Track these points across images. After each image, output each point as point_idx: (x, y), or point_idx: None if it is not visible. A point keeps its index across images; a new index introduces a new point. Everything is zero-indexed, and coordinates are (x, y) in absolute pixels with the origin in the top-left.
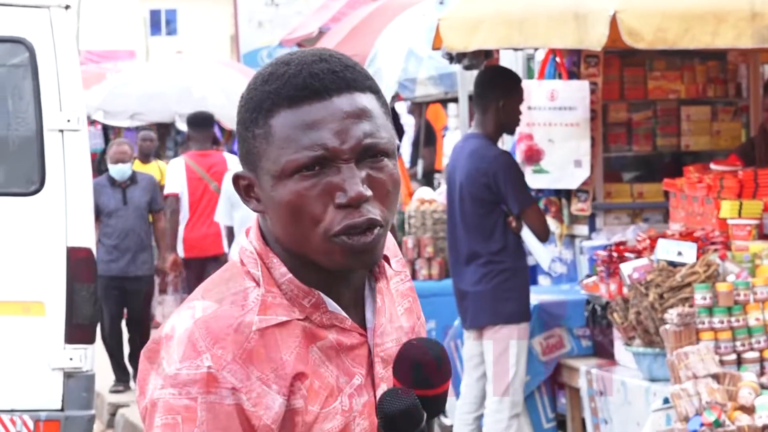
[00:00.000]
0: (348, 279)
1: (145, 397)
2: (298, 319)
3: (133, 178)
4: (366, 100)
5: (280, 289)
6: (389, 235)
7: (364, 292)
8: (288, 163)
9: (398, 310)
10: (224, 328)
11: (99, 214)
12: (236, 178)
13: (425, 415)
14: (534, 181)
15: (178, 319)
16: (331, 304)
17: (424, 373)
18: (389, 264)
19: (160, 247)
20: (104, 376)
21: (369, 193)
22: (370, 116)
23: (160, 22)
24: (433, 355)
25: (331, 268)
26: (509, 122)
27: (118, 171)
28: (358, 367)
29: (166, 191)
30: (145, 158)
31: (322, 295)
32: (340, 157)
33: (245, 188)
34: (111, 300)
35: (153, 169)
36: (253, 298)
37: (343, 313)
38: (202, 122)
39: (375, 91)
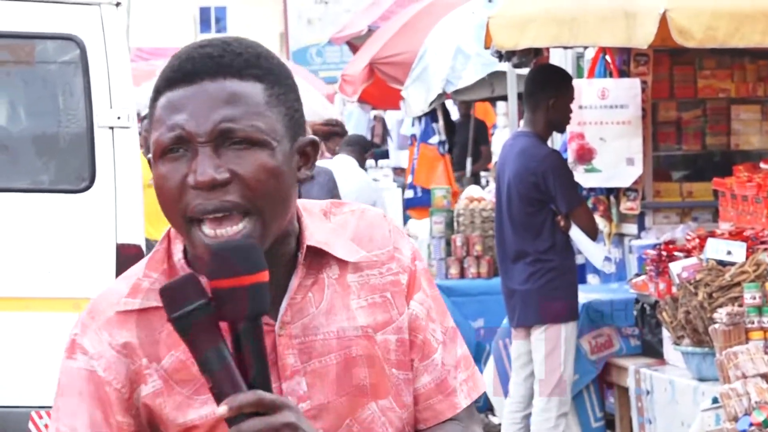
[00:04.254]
0: None
1: None
2: None
3: None
4: (241, 87)
5: (176, 273)
6: (381, 223)
7: (292, 281)
8: (155, 144)
9: (353, 303)
10: (102, 301)
11: None
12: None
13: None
14: (586, 180)
15: None
16: None
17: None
18: (341, 255)
19: None
20: None
21: (223, 176)
22: (240, 103)
23: (210, 20)
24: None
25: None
26: (560, 121)
27: None
28: None
29: None
30: None
31: None
32: (196, 140)
33: None
34: None
35: None
36: (135, 280)
37: None
38: None
39: (263, 80)
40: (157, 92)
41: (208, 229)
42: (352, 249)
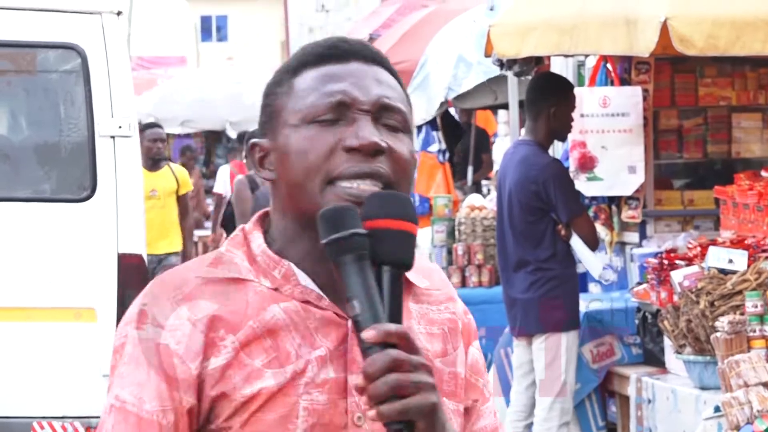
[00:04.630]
0: None
1: None
2: (269, 288)
3: None
4: (388, 77)
5: (256, 261)
6: (435, 269)
7: None
8: (308, 109)
9: (417, 327)
10: (174, 276)
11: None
12: (253, 147)
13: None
14: (588, 188)
15: None
16: (304, 279)
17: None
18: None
19: None
20: None
21: (383, 144)
22: (392, 89)
23: (211, 29)
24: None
25: None
26: (561, 129)
27: None
28: (327, 342)
29: (214, 190)
30: (153, 165)
31: (292, 266)
32: (359, 107)
33: (260, 159)
34: None
35: (165, 176)
36: (214, 257)
37: (318, 291)
38: (245, 139)
39: (398, 79)
40: (299, 68)
41: (347, 183)
42: (419, 277)
